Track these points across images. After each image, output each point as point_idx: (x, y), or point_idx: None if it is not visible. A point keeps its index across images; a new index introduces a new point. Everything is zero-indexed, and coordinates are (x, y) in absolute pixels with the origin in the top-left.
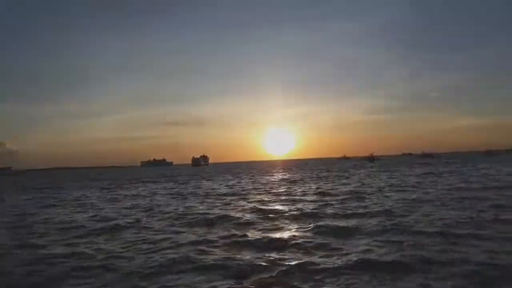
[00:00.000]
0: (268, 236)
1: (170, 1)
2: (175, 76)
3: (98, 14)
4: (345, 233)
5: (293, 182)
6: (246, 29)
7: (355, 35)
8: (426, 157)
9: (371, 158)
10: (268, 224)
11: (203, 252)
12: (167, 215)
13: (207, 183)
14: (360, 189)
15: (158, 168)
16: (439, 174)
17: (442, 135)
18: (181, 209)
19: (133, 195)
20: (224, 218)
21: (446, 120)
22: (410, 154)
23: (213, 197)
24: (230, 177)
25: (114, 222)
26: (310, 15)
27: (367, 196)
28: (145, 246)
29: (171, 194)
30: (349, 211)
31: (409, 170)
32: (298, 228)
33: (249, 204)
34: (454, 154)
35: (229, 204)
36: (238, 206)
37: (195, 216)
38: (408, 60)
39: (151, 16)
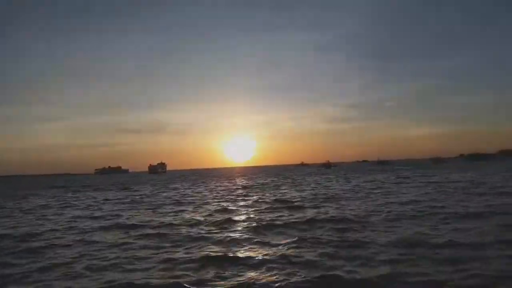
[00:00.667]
0: (208, 253)
1: (133, 5)
2: (133, 82)
3: (55, 17)
4: (300, 245)
5: (249, 189)
6: (208, 34)
7: (317, 45)
8: (381, 164)
9: (327, 165)
10: (217, 236)
11: None
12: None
13: (158, 191)
14: (313, 196)
15: (112, 176)
16: (392, 181)
17: (396, 143)
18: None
19: (71, 205)
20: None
21: (400, 129)
22: (365, 161)
23: (167, 206)
24: (180, 185)
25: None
26: (274, 25)
27: (319, 204)
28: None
29: (113, 202)
30: (302, 220)
31: (363, 176)
32: (246, 241)
33: (193, 214)
34: (408, 161)
35: (176, 213)
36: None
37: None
38: (366, 70)
39: (109, 20)
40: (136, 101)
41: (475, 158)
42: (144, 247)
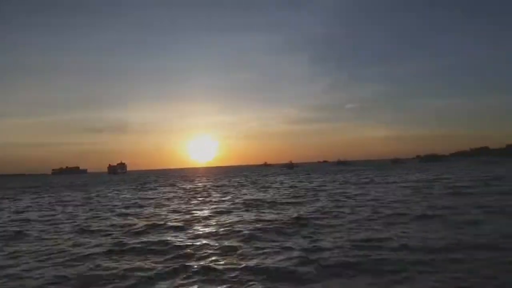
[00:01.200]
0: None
1: (95, 2)
2: (94, 80)
3: (13, 9)
4: (261, 251)
5: (209, 190)
6: (171, 32)
7: (281, 46)
8: (341, 164)
9: (290, 165)
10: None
11: None
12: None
13: (115, 192)
14: (275, 197)
15: (70, 176)
16: (352, 182)
17: (357, 144)
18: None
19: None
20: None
21: (361, 130)
22: (325, 161)
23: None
24: (140, 186)
25: None
26: (238, 25)
27: (280, 205)
28: None
29: (65, 205)
30: (263, 222)
31: (324, 177)
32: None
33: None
34: (368, 161)
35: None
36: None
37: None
38: (330, 72)
39: (71, 16)
40: (96, 99)
41: (430, 159)
42: (95, 251)
